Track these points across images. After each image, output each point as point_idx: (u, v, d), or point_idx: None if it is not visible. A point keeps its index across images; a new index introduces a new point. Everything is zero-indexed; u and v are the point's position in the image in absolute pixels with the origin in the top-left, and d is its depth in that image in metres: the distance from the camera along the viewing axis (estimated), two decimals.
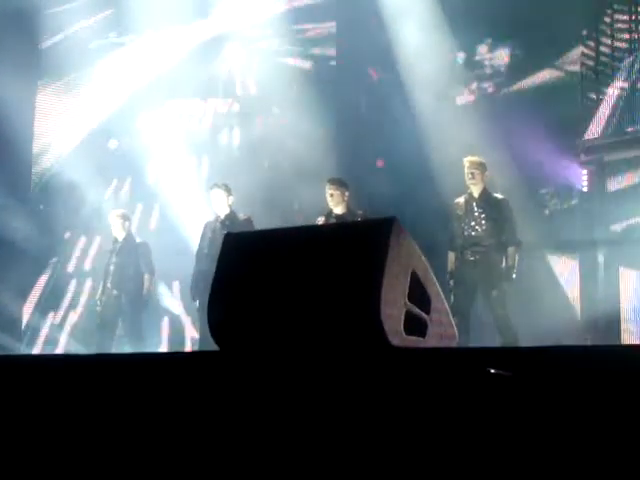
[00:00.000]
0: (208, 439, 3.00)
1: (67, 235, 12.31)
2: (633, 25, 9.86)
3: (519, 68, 10.68)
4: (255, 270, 3.63)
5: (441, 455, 2.62)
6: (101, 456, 3.16)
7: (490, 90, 10.98)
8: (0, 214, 11.02)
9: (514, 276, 8.14)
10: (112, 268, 9.67)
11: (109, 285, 9.66)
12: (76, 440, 3.23)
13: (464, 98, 11.07)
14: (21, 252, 11.32)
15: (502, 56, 10.91)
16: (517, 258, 8.25)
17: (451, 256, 8.42)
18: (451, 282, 8.27)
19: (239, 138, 12.31)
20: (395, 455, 2.68)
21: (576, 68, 10.20)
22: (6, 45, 11.10)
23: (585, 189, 9.80)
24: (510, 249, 8.21)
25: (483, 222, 8.22)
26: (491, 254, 8.17)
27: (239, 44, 12.43)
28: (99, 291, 9.82)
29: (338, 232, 3.91)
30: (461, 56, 11.05)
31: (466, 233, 8.26)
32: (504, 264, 8.19)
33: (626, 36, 9.91)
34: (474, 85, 11.08)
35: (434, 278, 3.72)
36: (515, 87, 10.70)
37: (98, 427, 3.23)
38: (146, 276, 9.67)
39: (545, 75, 10.49)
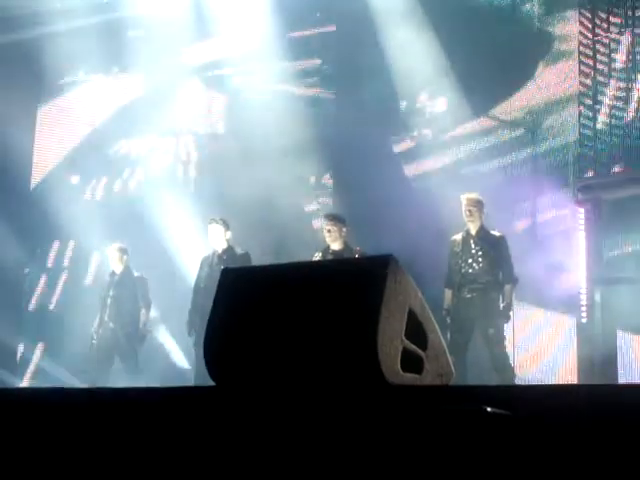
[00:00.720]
0: (203, 475, 2.98)
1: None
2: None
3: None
4: (252, 306, 3.63)
5: None
6: None
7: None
8: None
9: (511, 314, 8.15)
10: (109, 301, 9.69)
11: (106, 318, 9.66)
12: (70, 474, 3.21)
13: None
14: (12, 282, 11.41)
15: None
16: (514, 296, 8.27)
17: (448, 293, 8.43)
18: (447, 319, 8.28)
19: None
20: None
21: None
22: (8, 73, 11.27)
23: (582, 227, 9.82)
24: (507, 287, 8.23)
25: (480, 259, 8.23)
26: (488, 292, 8.18)
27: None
28: (95, 324, 9.81)
29: (335, 269, 3.91)
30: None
31: (463, 270, 8.27)
32: (501, 302, 8.20)
33: None
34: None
35: (431, 315, 3.72)
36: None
37: (92, 462, 3.21)
38: (143, 310, 9.70)
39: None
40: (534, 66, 10.70)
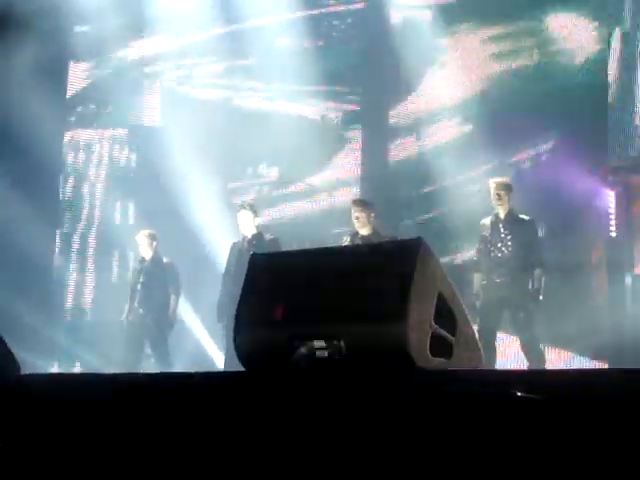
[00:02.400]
0: (233, 460, 3.00)
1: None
2: None
3: None
4: (281, 291, 3.64)
5: (465, 478, 2.61)
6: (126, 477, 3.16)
7: None
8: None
9: (541, 298, 8.11)
10: (139, 287, 9.72)
11: (136, 304, 9.70)
12: (101, 460, 3.23)
13: None
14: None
15: None
16: (544, 280, 8.22)
17: (477, 277, 8.41)
18: (477, 303, 8.26)
19: None
20: (419, 477, 2.67)
21: None
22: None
23: (612, 211, 9.75)
24: (537, 271, 8.19)
25: (509, 243, 8.19)
26: (518, 275, 8.14)
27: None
28: (125, 310, 9.85)
29: (365, 254, 3.91)
30: None
31: (492, 254, 8.23)
32: (531, 286, 8.16)
33: None
34: None
35: (460, 300, 3.71)
36: None
37: (123, 447, 3.23)
38: (172, 297, 9.72)
39: None
40: None
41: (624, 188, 9.61)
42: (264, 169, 12.58)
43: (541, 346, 8.32)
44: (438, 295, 3.50)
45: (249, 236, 9.15)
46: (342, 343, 3.36)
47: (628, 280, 9.33)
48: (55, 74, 12.12)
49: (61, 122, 12.41)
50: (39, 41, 11.31)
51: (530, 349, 8.16)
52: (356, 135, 12.22)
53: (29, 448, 3.37)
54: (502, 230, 8.25)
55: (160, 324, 9.68)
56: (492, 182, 8.38)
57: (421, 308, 3.37)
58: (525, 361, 8.33)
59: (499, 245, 8.23)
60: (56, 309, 12.09)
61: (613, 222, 9.62)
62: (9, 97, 11.45)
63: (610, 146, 9.92)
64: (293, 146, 11.39)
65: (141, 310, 9.67)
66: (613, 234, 9.63)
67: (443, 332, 3.51)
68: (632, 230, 9.53)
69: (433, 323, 3.44)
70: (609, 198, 9.77)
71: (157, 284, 9.71)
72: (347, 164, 12.21)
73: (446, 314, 3.54)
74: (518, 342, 8.39)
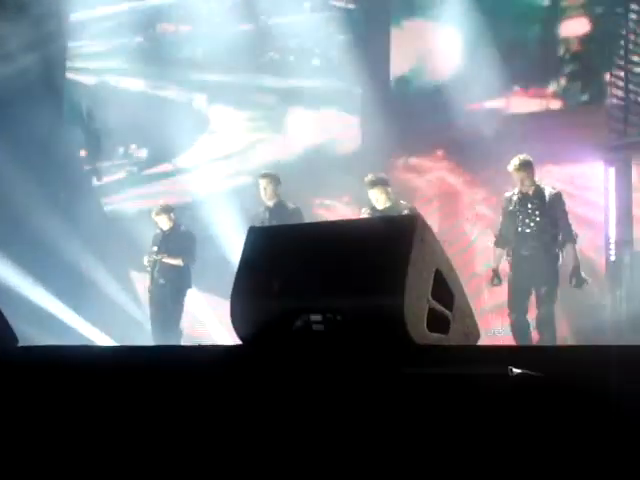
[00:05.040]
0: (229, 434, 3.00)
1: None
2: None
3: None
4: (277, 265, 3.63)
5: (462, 457, 2.61)
6: (126, 448, 3.16)
7: None
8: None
9: (583, 274, 8.01)
10: (159, 257, 9.80)
11: (156, 274, 9.79)
12: (94, 437, 3.23)
13: None
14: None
15: None
16: (578, 256, 8.11)
17: (499, 252, 8.32)
18: (495, 280, 8.20)
19: None
20: (414, 454, 2.67)
21: None
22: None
23: (611, 188, 9.70)
24: (570, 246, 8.05)
25: (538, 218, 8.07)
26: (546, 250, 8.04)
27: None
28: (148, 281, 9.96)
29: (362, 228, 3.90)
30: None
31: (520, 229, 8.12)
32: (561, 261, 8.05)
33: None
34: None
35: (458, 276, 3.71)
36: None
37: (121, 419, 3.23)
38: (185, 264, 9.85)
39: None
40: None
41: (624, 165, 9.56)
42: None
43: (554, 323, 8.23)
44: (435, 271, 3.50)
45: (271, 205, 9.16)
46: (339, 317, 3.36)
47: (627, 258, 9.30)
48: None
49: None
50: None
51: (544, 324, 8.07)
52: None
53: (26, 420, 3.37)
54: (529, 205, 8.13)
55: (176, 294, 9.79)
56: (513, 165, 8.18)
57: (418, 283, 3.37)
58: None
59: (527, 220, 8.11)
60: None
61: (613, 199, 9.57)
62: None
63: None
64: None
65: (161, 280, 9.79)
66: (613, 212, 9.58)
67: (440, 307, 3.51)
68: (630, 208, 9.49)
69: (430, 298, 3.44)
70: (609, 175, 9.73)
71: (176, 253, 9.79)
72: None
73: (443, 289, 3.54)
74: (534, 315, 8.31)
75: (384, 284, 3.36)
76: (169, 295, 9.79)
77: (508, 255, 8.22)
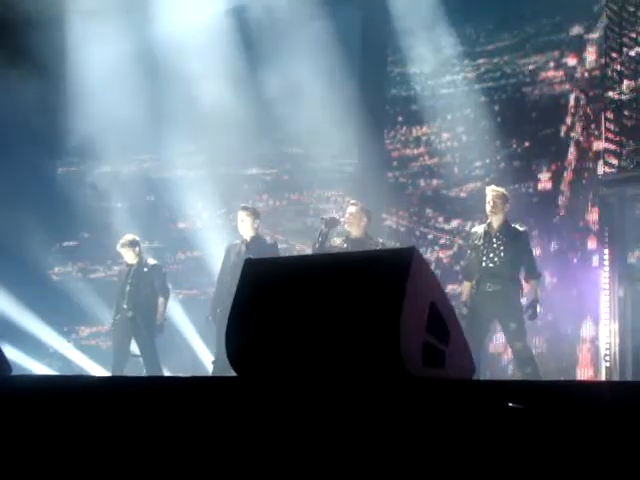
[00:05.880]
0: (223, 466, 2.99)
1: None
2: None
3: None
4: (274, 297, 3.63)
5: None
6: None
7: None
8: None
9: (539, 310, 8.08)
10: (128, 289, 9.66)
11: (125, 306, 9.65)
12: (85, 466, 3.22)
13: None
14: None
15: None
16: (539, 291, 8.21)
17: (466, 286, 8.39)
18: (464, 310, 8.24)
19: None
20: None
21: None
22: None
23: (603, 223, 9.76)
24: (532, 282, 8.18)
25: (502, 254, 8.15)
26: (510, 286, 8.11)
27: None
28: (114, 312, 9.83)
29: (358, 261, 3.90)
30: None
31: (484, 264, 8.20)
32: (523, 297, 8.15)
33: None
34: None
35: (453, 309, 3.71)
36: None
37: (108, 453, 3.22)
38: (161, 299, 9.67)
39: None
40: None
41: (619, 200, 9.58)
42: None
43: (533, 356, 8.30)
44: (431, 304, 3.50)
45: (248, 239, 9.11)
46: (335, 351, 3.36)
47: (620, 292, 9.31)
48: None
49: None
50: None
51: (524, 359, 8.13)
52: None
53: (18, 448, 3.36)
54: (495, 240, 8.22)
55: (149, 326, 9.62)
56: (489, 190, 8.36)
57: (414, 318, 3.37)
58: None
59: (491, 255, 8.20)
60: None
61: (606, 234, 9.60)
62: None
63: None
64: None
65: (130, 312, 9.61)
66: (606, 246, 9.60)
67: (435, 341, 3.50)
68: (625, 241, 9.51)
69: (426, 333, 3.43)
70: (600, 210, 9.78)
71: (145, 285, 9.67)
72: None
73: (439, 324, 3.54)
74: (511, 353, 8.39)
75: (379, 317, 3.36)
76: (142, 327, 9.64)
77: (473, 289, 8.25)
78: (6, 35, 11.63)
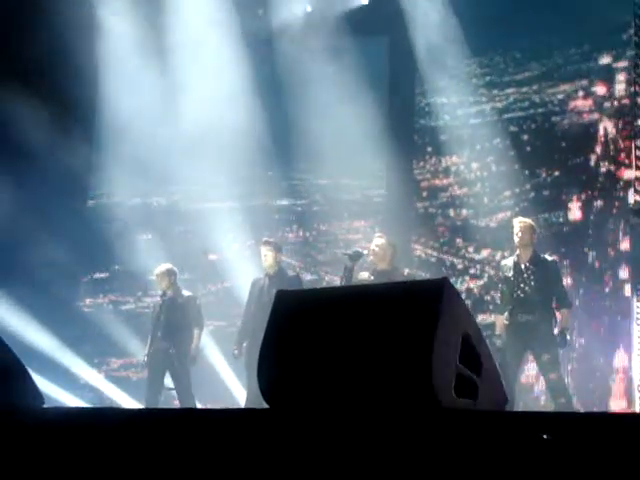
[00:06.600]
0: None
1: None
2: None
3: None
4: (306, 329, 3.63)
5: None
6: None
7: None
8: None
9: (568, 338, 8.04)
10: (162, 318, 9.64)
11: (159, 335, 9.64)
12: None
13: None
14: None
15: None
16: (570, 321, 8.17)
17: (499, 318, 8.36)
18: (498, 342, 8.21)
19: None
20: None
21: None
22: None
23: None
24: (563, 311, 8.14)
25: (533, 284, 8.13)
26: (542, 316, 8.08)
27: None
28: (148, 343, 9.81)
29: (390, 293, 3.90)
30: None
31: (515, 295, 8.17)
32: (556, 327, 8.10)
33: None
34: None
35: (485, 340, 3.70)
36: None
37: None
38: (195, 330, 9.65)
39: None
40: None
41: None
42: None
43: (567, 387, 8.23)
44: (463, 335, 3.49)
45: (271, 272, 9.15)
46: (368, 383, 3.35)
47: None
48: None
49: None
50: None
51: (557, 391, 8.07)
52: None
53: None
54: (525, 271, 8.20)
55: (183, 358, 9.60)
56: (516, 222, 8.36)
57: (446, 349, 3.36)
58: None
59: (522, 285, 8.17)
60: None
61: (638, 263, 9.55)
62: None
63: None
64: None
65: (164, 343, 9.59)
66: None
67: (468, 373, 3.49)
68: None
69: (458, 364, 3.42)
70: (631, 239, 9.73)
71: (180, 317, 9.65)
72: None
73: (471, 354, 3.53)
74: (544, 383, 8.34)
75: (411, 349, 3.35)
76: (176, 359, 9.63)
77: (506, 320, 8.21)
78: (38, 72, 11.79)
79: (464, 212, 11.42)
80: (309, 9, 12.09)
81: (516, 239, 8.26)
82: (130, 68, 11.98)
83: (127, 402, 11.63)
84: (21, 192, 11.18)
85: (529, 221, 8.37)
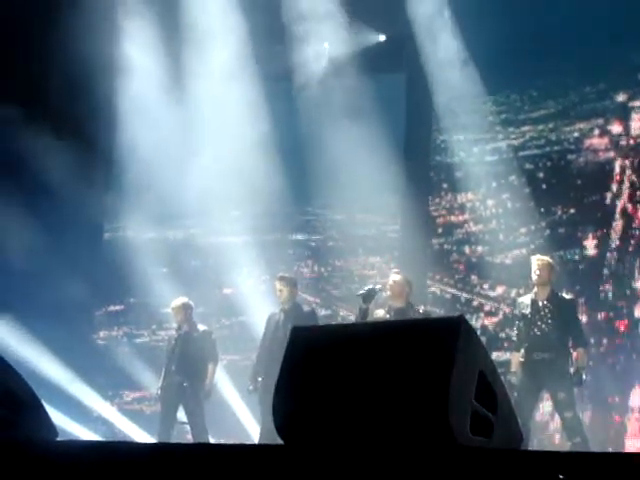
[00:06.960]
0: None
1: None
2: None
3: None
4: (322, 365, 3.63)
5: None
6: None
7: None
8: None
9: (584, 377, 7.99)
10: (177, 352, 9.62)
11: (173, 368, 9.61)
12: None
13: None
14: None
15: None
16: (586, 360, 8.12)
17: (515, 356, 8.32)
18: (513, 380, 8.17)
19: None
20: None
21: None
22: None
23: None
24: (579, 350, 8.09)
25: (550, 322, 8.10)
26: (559, 354, 8.04)
27: None
28: (161, 376, 9.79)
29: (407, 329, 3.90)
30: None
31: (532, 333, 8.14)
32: (572, 366, 8.06)
33: None
34: None
35: (501, 378, 3.69)
36: None
37: None
38: (210, 365, 9.62)
39: None
40: None
41: None
42: None
43: (582, 426, 8.17)
44: (479, 373, 3.48)
45: (286, 307, 9.15)
46: (384, 420, 3.34)
47: None
48: None
49: None
50: None
51: (573, 429, 8.02)
52: None
53: None
54: (542, 309, 8.17)
55: (197, 392, 9.58)
56: (535, 259, 8.34)
57: (462, 387, 3.35)
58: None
59: (539, 323, 8.14)
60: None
61: None
62: None
63: None
64: None
65: (178, 377, 9.57)
66: None
67: (483, 411, 3.48)
68: None
69: (474, 402, 3.41)
70: None
71: (195, 351, 9.64)
72: None
73: (487, 392, 3.52)
74: (559, 421, 8.29)
75: (428, 386, 3.35)
76: (190, 393, 9.60)
77: (522, 358, 8.18)
78: (57, 105, 11.89)
79: (479, 249, 11.41)
80: (326, 45, 12.14)
81: (534, 277, 8.23)
82: (149, 103, 12.05)
83: (140, 436, 11.61)
84: (38, 224, 11.24)
85: (548, 259, 8.34)
